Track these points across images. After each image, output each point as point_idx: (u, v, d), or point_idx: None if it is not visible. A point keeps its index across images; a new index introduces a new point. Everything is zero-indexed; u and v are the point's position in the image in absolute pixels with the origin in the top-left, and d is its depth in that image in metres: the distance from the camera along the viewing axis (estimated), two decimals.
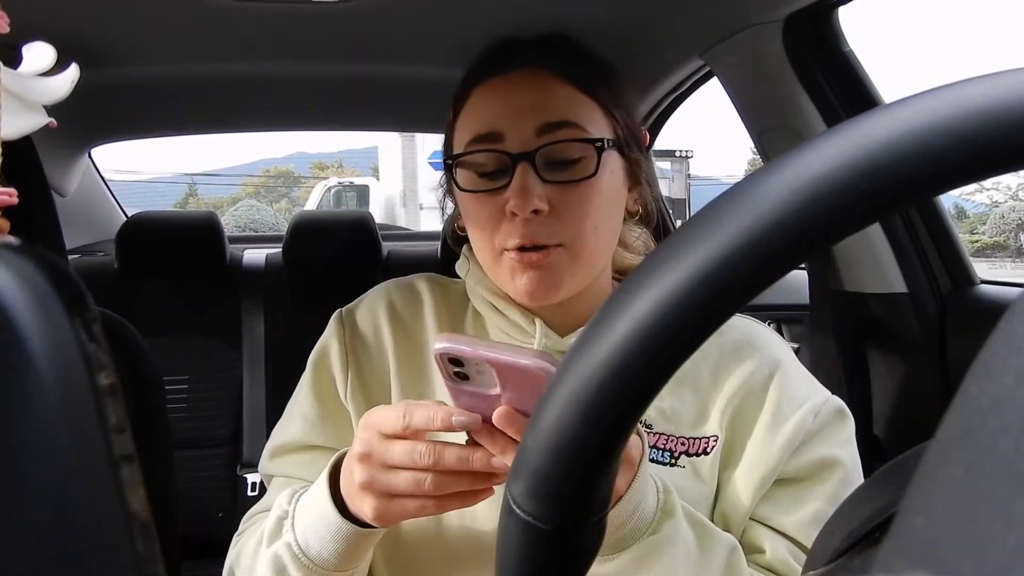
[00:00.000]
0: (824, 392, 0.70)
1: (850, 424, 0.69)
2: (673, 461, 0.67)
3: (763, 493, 0.66)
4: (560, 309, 0.71)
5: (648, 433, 0.67)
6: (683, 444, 0.67)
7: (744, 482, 0.66)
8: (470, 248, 0.77)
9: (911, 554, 0.14)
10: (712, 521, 0.65)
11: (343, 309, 0.78)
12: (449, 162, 0.70)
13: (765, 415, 0.67)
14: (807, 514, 0.65)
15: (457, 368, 0.49)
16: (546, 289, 0.66)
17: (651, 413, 0.68)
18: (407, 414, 0.52)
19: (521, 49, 0.71)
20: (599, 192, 0.66)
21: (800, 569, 0.62)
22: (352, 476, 0.55)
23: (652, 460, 0.66)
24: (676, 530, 0.58)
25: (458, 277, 0.79)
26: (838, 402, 0.69)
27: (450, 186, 0.74)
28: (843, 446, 0.68)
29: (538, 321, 0.71)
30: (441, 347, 0.49)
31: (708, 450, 0.67)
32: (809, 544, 0.58)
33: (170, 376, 1.73)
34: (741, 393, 0.68)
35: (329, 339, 0.76)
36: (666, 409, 0.68)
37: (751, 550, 0.66)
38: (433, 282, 0.79)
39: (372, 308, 0.77)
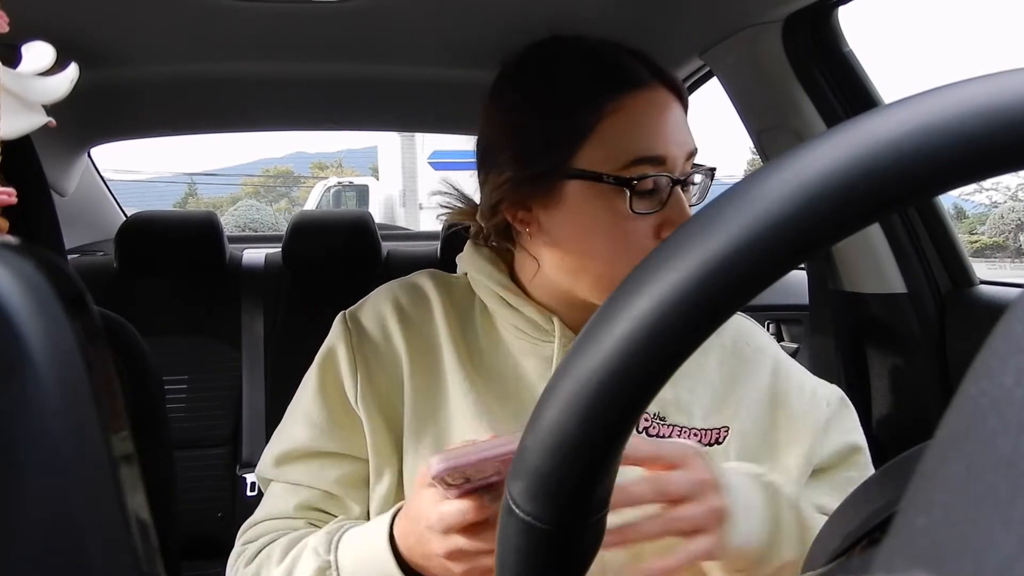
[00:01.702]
0: (823, 381, 0.76)
1: (853, 409, 0.76)
2: None
3: (803, 482, 0.70)
4: (577, 308, 0.72)
5: (662, 425, 0.70)
6: (696, 435, 0.70)
7: (780, 471, 0.70)
8: (475, 243, 0.77)
9: (911, 554, 0.14)
10: None
11: (347, 312, 0.77)
12: (610, 179, 0.65)
13: (778, 405, 0.72)
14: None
15: (454, 480, 0.52)
16: None
17: (665, 406, 0.70)
18: (460, 511, 0.54)
19: (644, 63, 0.69)
20: None
21: None
22: (447, 567, 0.58)
23: None
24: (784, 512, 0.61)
25: (454, 272, 0.80)
26: (838, 390, 0.76)
27: (549, 193, 0.68)
28: (857, 430, 0.74)
29: (556, 319, 0.72)
30: (440, 468, 0.50)
31: (720, 440, 0.70)
32: None
33: (169, 376, 1.72)
34: (747, 387, 0.73)
35: (335, 343, 0.75)
36: (680, 401, 0.71)
37: None
38: (436, 279, 0.79)
39: (378, 309, 0.76)
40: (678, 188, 0.66)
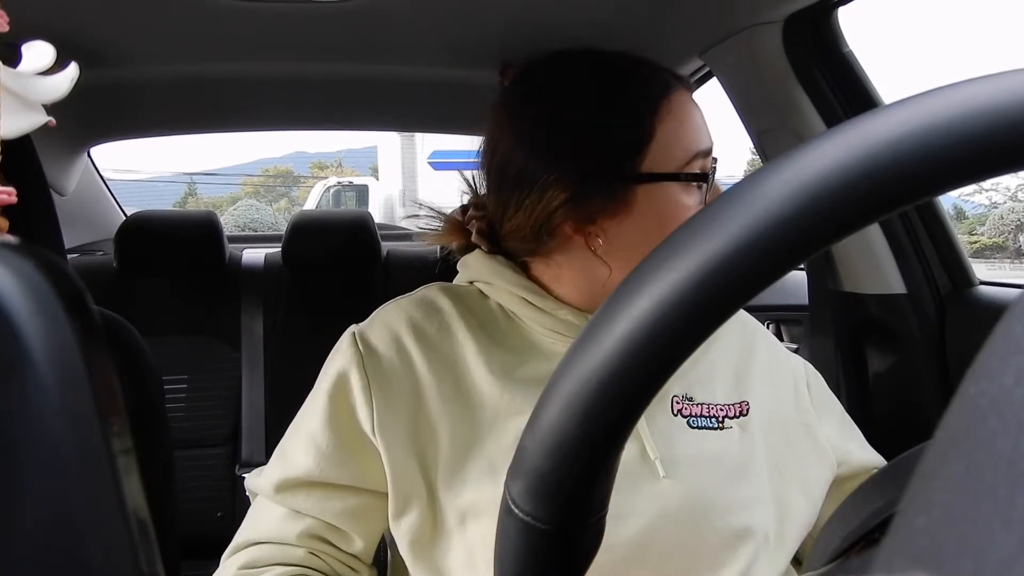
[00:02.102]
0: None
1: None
2: (721, 425, 0.71)
3: (842, 427, 0.79)
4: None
5: (692, 404, 0.71)
6: (723, 409, 0.72)
7: (826, 430, 0.77)
8: (483, 252, 0.76)
9: (911, 554, 0.14)
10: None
11: (355, 331, 0.73)
12: (686, 177, 0.69)
13: (777, 373, 0.78)
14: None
15: None
16: None
17: (691, 386, 0.72)
18: None
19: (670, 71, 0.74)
20: None
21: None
22: None
23: (702, 428, 0.71)
24: None
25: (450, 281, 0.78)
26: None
27: (611, 195, 0.69)
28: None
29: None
30: None
31: (745, 412, 0.73)
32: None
33: (169, 376, 1.73)
34: (753, 361, 0.77)
35: (347, 367, 0.70)
36: (702, 379, 0.73)
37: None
38: (446, 291, 0.76)
39: (390, 327, 0.72)
40: (712, 180, 0.72)
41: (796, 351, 1.61)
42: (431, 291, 0.76)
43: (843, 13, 1.15)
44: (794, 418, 0.76)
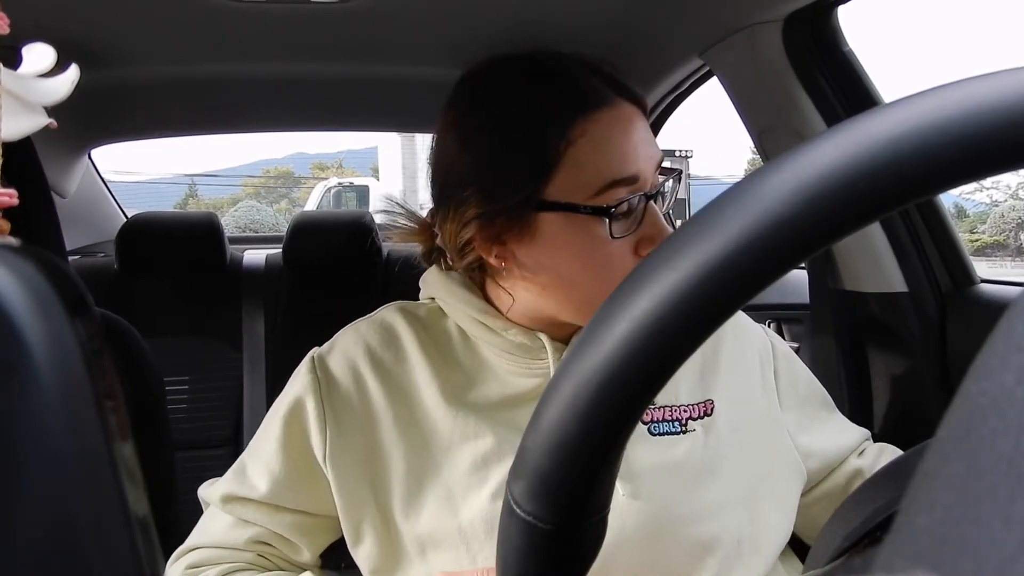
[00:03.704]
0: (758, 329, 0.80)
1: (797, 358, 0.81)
2: (684, 429, 0.69)
3: (803, 415, 0.76)
4: (560, 327, 0.70)
5: (653, 409, 0.69)
6: (686, 411, 0.70)
7: (788, 418, 0.75)
8: (438, 268, 0.75)
9: (912, 553, 0.14)
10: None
11: (315, 355, 0.73)
12: (586, 210, 0.62)
13: (742, 357, 0.75)
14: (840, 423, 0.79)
15: None
16: None
17: None
18: None
19: (603, 79, 0.67)
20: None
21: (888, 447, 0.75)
22: None
23: (664, 433, 0.69)
24: None
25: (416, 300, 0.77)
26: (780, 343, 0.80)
27: (522, 221, 0.65)
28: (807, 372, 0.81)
29: (543, 336, 0.69)
30: None
31: (710, 412, 0.71)
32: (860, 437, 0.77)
33: (170, 377, 1.72)
34: (721, 355, 0.74)
35: (303, 393, 0.70)
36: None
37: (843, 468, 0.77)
38: (404, 313, 0.75)
39: (348, 356, 0.72)
40: (651, 202, 0.65)
41: (797, 350, 1.61)
42: (389, 312, 0.76)
43: (843, 12, 1.15)
44: (762, 409, 0.73)
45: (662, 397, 0.70)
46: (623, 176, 0.63)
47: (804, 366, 0.81)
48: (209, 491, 0.74)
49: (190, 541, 0.72)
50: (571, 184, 0.63)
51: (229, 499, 0.71)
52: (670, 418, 0.69)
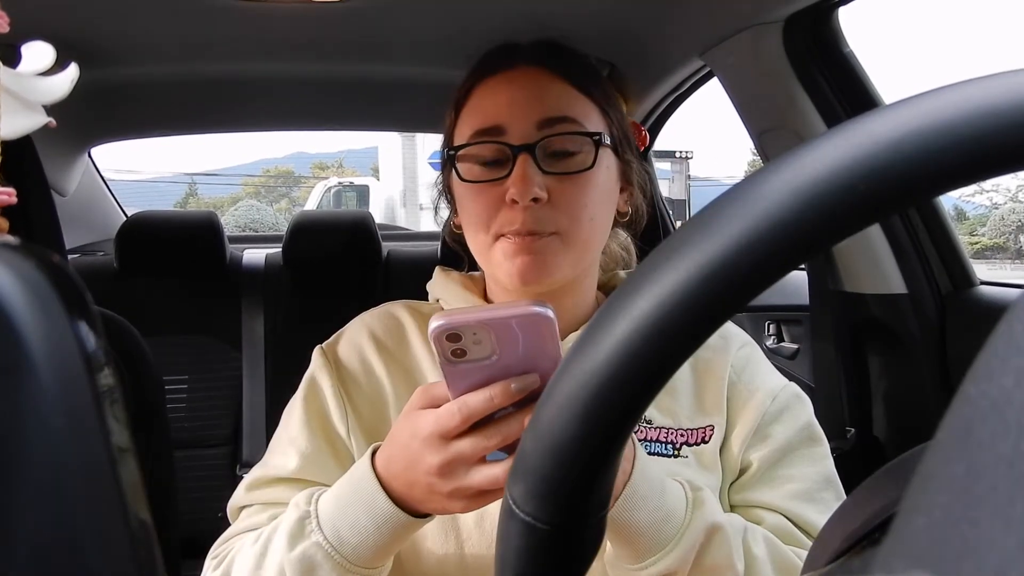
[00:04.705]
0: (783, 380, 0.75)
1: (808, 406, 0.73)
2: (676, 453, 0.69)
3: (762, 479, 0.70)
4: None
5: (649, 428, 0.69)
6: (683, 435, 0.70)
7: (735, 464, 0.70)
8: (442, 270, 0.79)
9: (911, 554, 0.14)
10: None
11: (323, 345, 0.76)
12: (451, 153, 0.70)
13: (746, 400, 0.71)
14: (787, 491, 0.69)
15: (454, 345, 0.50)
16: (537, 273, 0.66)
17: (650, 409, 0.69)
18: (461, 408, 0.51)
19: (520, 50, 0.72)
20: (595, 185, 0.68)
21: (798, 532, 0.67)
22: (433, 488, 0.54)
23: (656, 454, 0.68)
24: (711, 517, 0.60)
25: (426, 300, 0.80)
26: (795, 388, 0.74)
27: (447, 180, 0.75)
28: (805, 428, 0.72)
29: None
30: (439, 324, 0.48)
31: (707, 439, 0.70)
32: (800, 513, 0.66)
33: (170, 376, 1.72)
34: (728, 382, 0.72)
35: (318, 376, 0.74)
36: (663, 404, 0.70)
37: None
38: (407, 307, 0.79)
39: (354, 341, 0.75)
40: (523, 155, 0.66)
41: (797, 351, 1.61)
42: (394, 306, 0.80)
43: (843, 13, 1.15)
44: (735, 454, 0.70)
45: (661, 419, 0.70)
46: (482, 126, 0.68)
47: (804, 417, 0.73)
48: (235, 495, 0.74)
49: (222, 537, 0.72)
50: (456, 138, 0.71)
51: (256, 484, 0.72)
52: (664, 439, 0.69)
